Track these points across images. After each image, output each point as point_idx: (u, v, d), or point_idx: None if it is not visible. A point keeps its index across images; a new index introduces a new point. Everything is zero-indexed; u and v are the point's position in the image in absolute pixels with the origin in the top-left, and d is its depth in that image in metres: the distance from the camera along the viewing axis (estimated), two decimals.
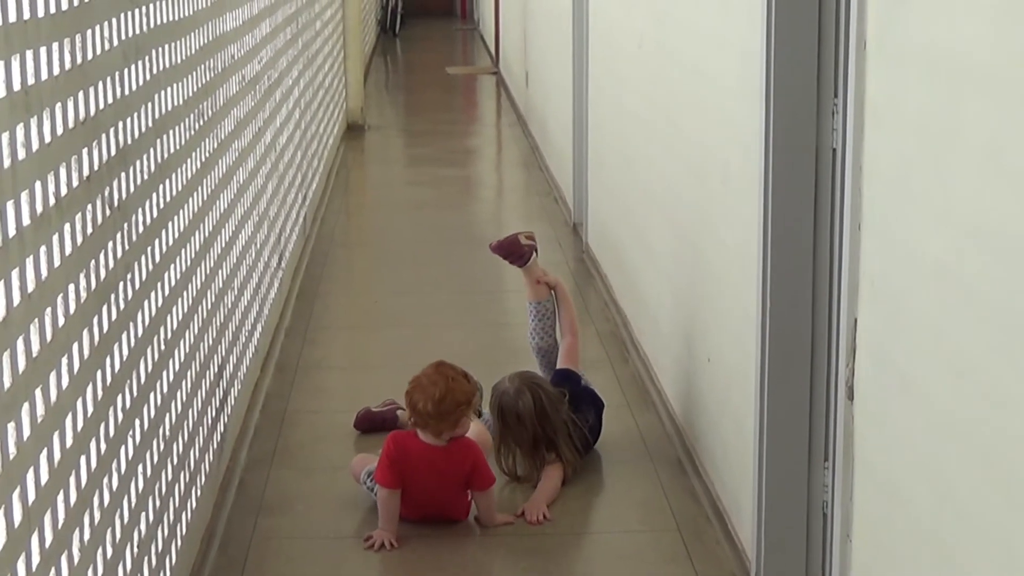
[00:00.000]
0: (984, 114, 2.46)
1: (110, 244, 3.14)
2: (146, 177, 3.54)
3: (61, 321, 2.73)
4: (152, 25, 3.69)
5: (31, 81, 2.58)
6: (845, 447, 3.24)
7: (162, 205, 3.73)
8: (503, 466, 4.74)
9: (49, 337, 2.64)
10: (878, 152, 3.01)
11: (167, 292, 3.76)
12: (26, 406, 2.49)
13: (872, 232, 3.04)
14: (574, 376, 5.04)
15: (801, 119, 3.63)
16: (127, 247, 3.30)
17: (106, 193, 3.12)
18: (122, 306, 3.23)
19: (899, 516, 2.92)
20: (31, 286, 2.54)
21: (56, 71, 2.75)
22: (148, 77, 3.61)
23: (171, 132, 3.90)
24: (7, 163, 2.42)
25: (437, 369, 4.40)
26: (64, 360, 2.74)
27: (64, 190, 2.77)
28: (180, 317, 3.94)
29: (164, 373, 3.69)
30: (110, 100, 3.18)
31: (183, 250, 4.03)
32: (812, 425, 3.76)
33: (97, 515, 2.94)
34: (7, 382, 2.38)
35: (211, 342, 4.49)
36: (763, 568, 3.86)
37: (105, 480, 3.02)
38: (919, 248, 2.77)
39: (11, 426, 2.40)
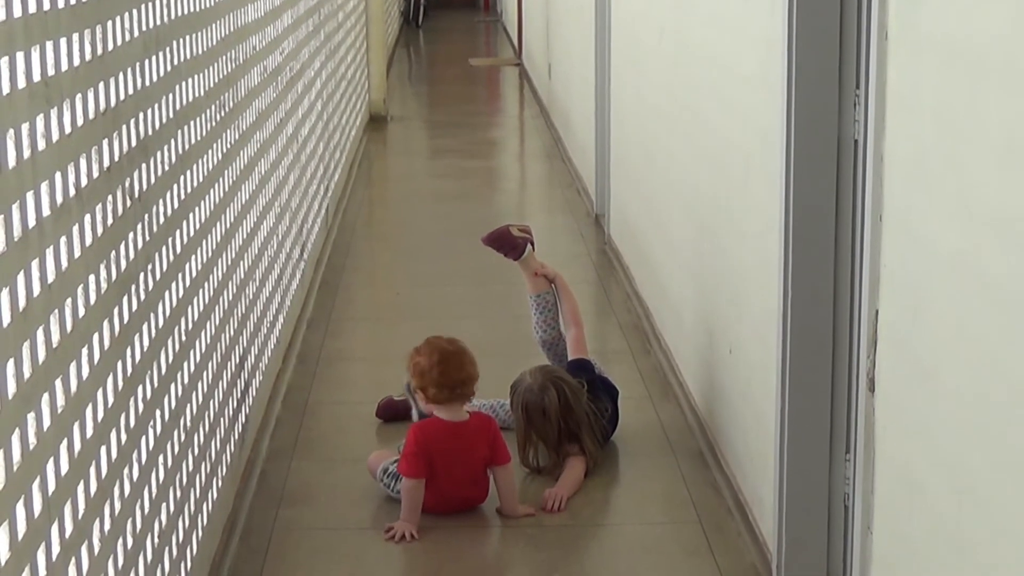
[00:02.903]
0: (1004, 104, 2.44)
1: (131, 235, 3.14)
2: (167, 168, 3.55)
3: (81, 312, 2.73)
4: (173, 16, 3.69)
5: (51, 72, 2.58)
6: (866, 439, 3.23)
7: (183, 196, 3.74)
8: (527, 462, 4.74)
9: (69, 328, 2.65)
10: (899, 143, 2.99)
11: (188, 283, 3.76)
12: (46, 397, 2.50)
13: (893, 223, 3.03)
14: (588, 365, 5.04)
15: (822, 110, 3.62)
16: (148, 238, 3.30)
17: (127, 184, 3.12)
18: (143, 297, 3.23)
19: (920, 509, 2.91)
20: (51, 277, 2.55)
21: (76, 62, 2.75)
22: (169, 68, 3.62)
23: (192, 123, 3.91)
24: (27, 154, 2.43)
25: (447, 340, 4.51)
26: (84, 351, 2.75)
27: (84, 181, 2.78)
28: (201, 308, 3.95)
29: (185, 364, 3.70)
30: (131, 91, 3.19)
31: (204, 241, 4.03)
32: (833, 417, 3.75)
33: (118, 506, 2.95)
34: (27, 372, 2.39)
35: (232, 333, 4.49)
36: (784, 560, 3.85)
37: (126, 471, 3.03)
38: (940, 239, 2.76)
39: (31, 416, 2.41)
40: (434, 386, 4.39)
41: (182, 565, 3.60)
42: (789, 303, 3.75)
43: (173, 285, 3.58)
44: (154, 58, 3.45)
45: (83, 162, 2.78)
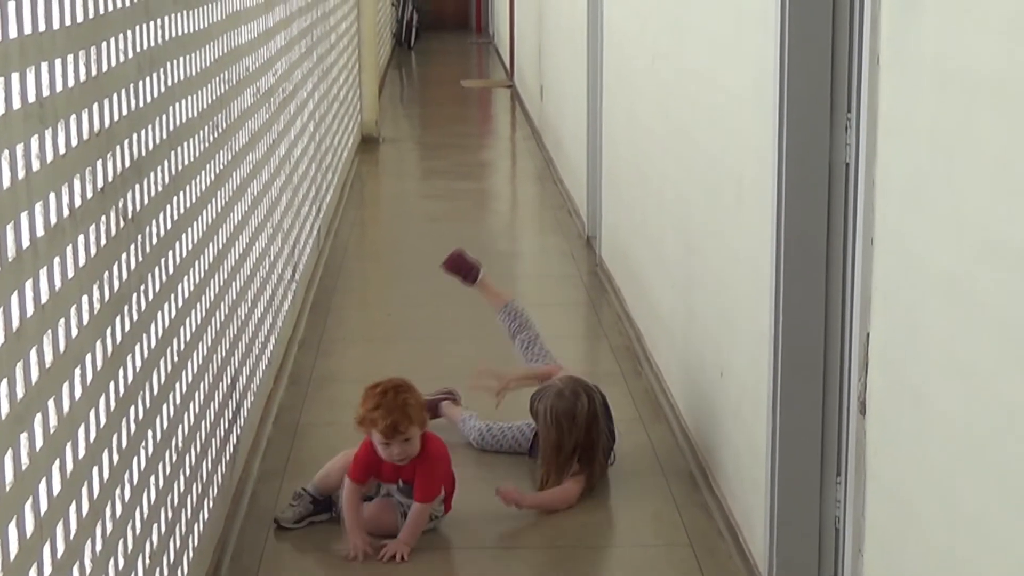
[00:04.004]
0: (996, 128, 2.46)
1: (124, 256, 3.15)
2: (160, 189, 3.55)
3: (75, 332, 2.73)
4: (167, 37, 3.70)
5: (46, 93, 2.59)
6: (857, 462, 3.23)
7: (176, 217, 3.74)
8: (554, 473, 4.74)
9: (63, 348, 2.65)
10: (891, 166, 3.01)
11: (180, 304, 3.77)
12: (39, 417, 2.50)
13: (885, 246, 3.04)
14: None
15: (814, 133, 3.63)
16: (141, 259, 3.31)
17: (120, 205, 3.13)
18: (135, 318, 3.23)
19: (911, 531, 2.92)
20: (45, 297, 2.55)
21: (71, 83, 2.76)
22: (163, 89, 3.63)
23: (185, 144, 3.91)
24: (22, 174, 2.43)
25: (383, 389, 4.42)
26: (77, 371, 2.75)
27: (78, 201, 2.78)
28: (193, 329, 3.95)
29: (177, 384, 3.70)
30: (125, 112, 3.19)
31: (197, 262, 4.04)
32: (824, 439, 3.75)
33: (109, 526, 2.95)
34: (20, 392, 2.39)
35: (224, 354, 4.49)
36: None
37: (117, 491, 3.02)
38: (932, 262, 2.77)
39: (24, 436, 2.41)
40: (421, 415, 4.40)
41: None
42: (780, 326, 3.75)
43: (166, 305, 3.58)
44: (148, 79, 3.46)
45: (77, 182, 2.78)
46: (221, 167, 4.52)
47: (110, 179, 3.04)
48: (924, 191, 2.81)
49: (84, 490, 2.77)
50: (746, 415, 4.23)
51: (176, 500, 3.64)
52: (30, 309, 2.46)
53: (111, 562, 2.96)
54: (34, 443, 2.46)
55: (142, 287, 3.32)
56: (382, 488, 4.49)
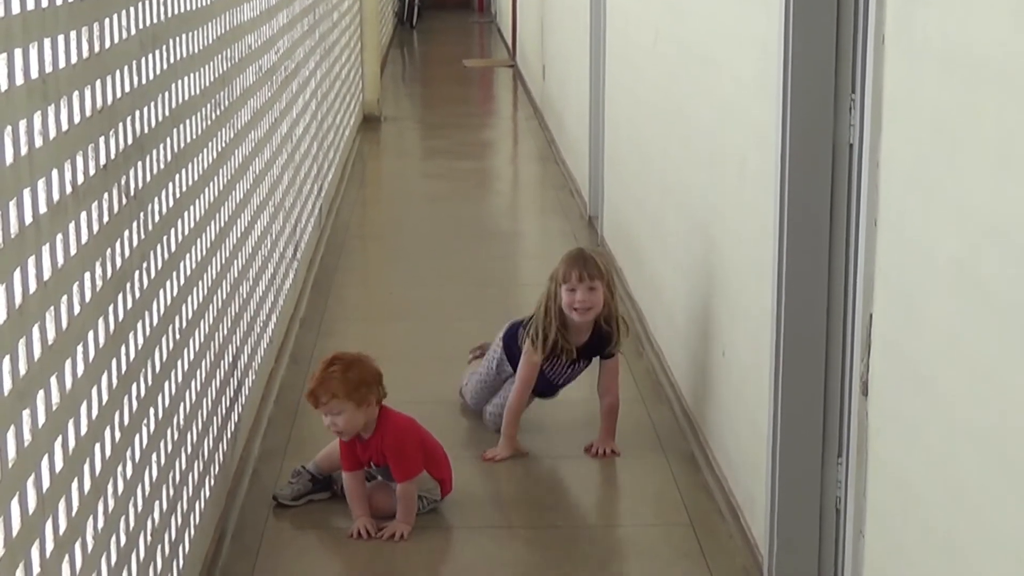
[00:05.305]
0: (1001, 111, 2.45)
1: (126, 233, 3.14)
2: (162, 166, 3.55)
3: (77, 309, 2.73)
4: (170, 14, 3.70)
5: (49, 69, 2.58)
6: (859, 443, 3.23)
7: (178, 195, 3.74)
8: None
9: (65, 325, 2.65)
10: (895, 148, 3.00)
11: (182, 281, 3.76)
12: (41, 394, 2.50)
13: (888, 228, 3.04)
14: None
15: (818, 114, 3.63)
16: (143, 236, 3.30)
17: (123, 182, 3.12)
18: (137, 295, 3.23)
19: (912, 514, 2.92)
20: (47, 274, 2.55)
21: (74, 59, 2.75)
22: (165, 66, 3.62)
23: (188, 122, 3.91)
24: (24, 151, 2.43)
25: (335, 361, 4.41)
26: (79, 348, 2.75)
27: (81, 179, 2.78)
28: (195, 307, 3.95)
29: (179, 362, 3.70)
30: (127, 89, 3.19)
31: (199, 240, 4.03)
32: (826, 421, 3.75)
33: (111, 503, 2.95)
34: (23, 369, 2.39)
35: (226, 332, 4.49)
36: (776, 564, 3.85)
37: (119, 468, 3.03)
38: (935, 245, 2.77)
39: (26, 413, 2.41)
40: (378, 389, 4.39)
41: (174, 563, 3.60)
42: (783, 306, 3.75)
43: (168, 283, 3.58)
44: (150, 56, 3.45)
45: (79, 159, 2.78)
46: (223, 145, 4.51)
47: (112, 156, 3.03)
48: (928, 173, 2.80)
49: (86, 467, 2.77)
50: (748, 395, 4.23)
51: (177, 478, 3.65)
52: (32, 286, 2.46)
53: (113, 539, 2.96)
54: (36, 420, 2.46)
55: (144, 264, 3.31)
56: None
